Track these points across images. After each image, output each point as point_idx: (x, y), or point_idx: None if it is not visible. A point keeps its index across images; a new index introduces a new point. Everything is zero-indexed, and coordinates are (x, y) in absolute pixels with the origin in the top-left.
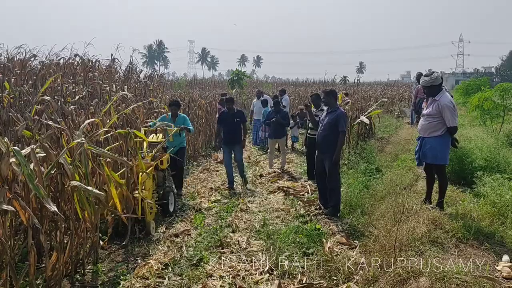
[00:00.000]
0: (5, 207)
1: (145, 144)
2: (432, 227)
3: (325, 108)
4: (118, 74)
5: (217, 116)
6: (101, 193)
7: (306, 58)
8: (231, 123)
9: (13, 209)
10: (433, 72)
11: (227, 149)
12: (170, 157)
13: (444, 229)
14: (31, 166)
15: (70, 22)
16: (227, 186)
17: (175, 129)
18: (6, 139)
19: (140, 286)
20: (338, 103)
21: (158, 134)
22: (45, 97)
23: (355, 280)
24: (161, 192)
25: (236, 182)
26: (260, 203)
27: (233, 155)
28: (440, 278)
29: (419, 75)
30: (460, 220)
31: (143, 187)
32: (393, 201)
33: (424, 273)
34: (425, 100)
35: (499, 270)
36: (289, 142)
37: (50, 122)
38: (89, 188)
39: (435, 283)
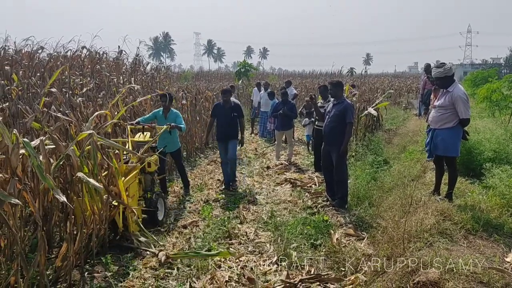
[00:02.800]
0: (13, 201)
1: (129, 144)
2: (441, 218)
3: (332, 99)
4: (125, 67)
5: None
6: (100, 185)
7: (312, 50)
8: (226, 117)
9: (20, 203)
10: (443, 63)
11: (222, 146)
12: (162, 160)
13: (453, 220)
14: (40, 157)
15: (75, 15)
16: (223, 187)
17: (164, 127)
18: (15, 131)
19: (149, 277)
20: (345, 94)
21: (145, 133)
22: (53, 89)
23: (363, 271)
24: (148, 199)
25: (238, 178)
26: (267, 194)
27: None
28: (449, 269)
29: (427, 67)
30: (469, 211)
31: (126, 193)
32: (401, 193)
33: (433, 264)
34: (433, 91)
35: (508, 262)
36: (296, 134)
37: (58, 114)
38: (90, 180)
39: (444, 274)
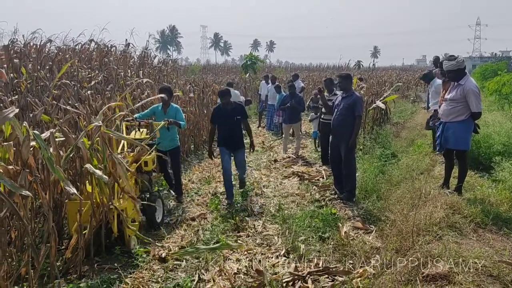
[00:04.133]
0: (24, 192)
1: (124, 142)
2: (450, 212)
3: (338, 92)
4: (132, 60)
5: None
6: (105, 177)
7: (319, 43)
8: (229, 122)
9: (30, 194)
10: (453, 55)
11: (226, 152)
12: (160, 158)
13: (462, 214)
14: (51, 149)
15: (83, 8)
16: (226, 200)
17: (162, 123)
18: (25, 123)
19: (158, 268)
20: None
21: (141, 130)
22: (64, 81)
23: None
24: (146, 200)
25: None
26: (275, 187)
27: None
28: (459, 263)
29: (436, 59)
30: (479, 205)
31: (120, 196)
32: (410, 186)
33: (442, 257)
34: (443, 84)
35: None
36: (303, 128)
37: (67, 107)
38: (97, 171)
39: (453, 268)
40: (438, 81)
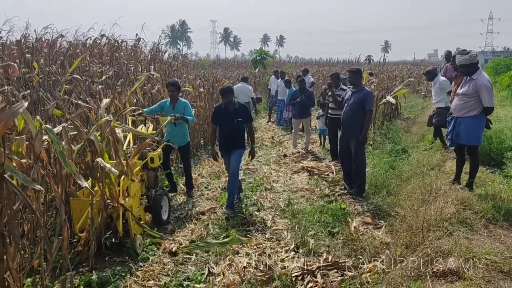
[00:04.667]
0: (37, 187)
1: (130, 137)
2: (461, 207)
3: (345, 87)
4: (143, 55)
5: None
6: (116, 170)
7: (330, 37)
8: (230, 124)
9: (42, 189)
10: (466, 50)
11: (227, 158)
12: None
13: (473, 209)
14: (63, 143)
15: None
16: (226, 209)
17: (168, 118)
18: (38, 118)
19: (168, 261)
20: (364, 83)
21: (148, 125)
22: (74, 76)
23: (381, 259)
24: (152, 197)
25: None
26: (284, 182)
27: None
28: (469, 258)
29: (448, 54)
30: (490, 201)
31: (126, 193)
32: (420, 182)
33: (452, 253)
34: (454, 79)
35: None
36: (313, 123)
37: (79, 102)
38: (107, 165)
39: (464, 263)
40: (442, 78)
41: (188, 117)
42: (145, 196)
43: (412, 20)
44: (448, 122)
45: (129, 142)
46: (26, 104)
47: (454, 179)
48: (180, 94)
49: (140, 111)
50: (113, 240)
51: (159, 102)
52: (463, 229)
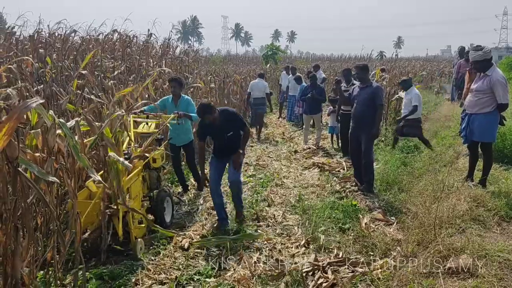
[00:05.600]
0: (51, 179)
1: (131, 136)
2: (473, 205)
3: (356, 83)
4: (154, 50)
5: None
6: (129, 165)
7: (341, 33)
8: (220, 139)
9: (57, 180)
10: (479, 46)
11: (218, 165)
12: (174, 153)
13: (486, 207)
14: (76, 138)
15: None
16: (218, 222)
17: (171, 115)
18: (51, 112)
19: (179, 256)
20: (375, 79)
21: (150, 123)
22: (82, 71)
23: (393, 256)
24: (154, 198)
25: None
26: (295, 178)
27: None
28: (482, 255)
29: (462, 50)
30: (503, 198)
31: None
32: (433, 179)
33: (465, 250)
34: (468, 74)
35: None
36: (324, 119)
37: (91, 97)
38: (120, 159)
39: (476, 260)
40: (416, 91)
41: (192, 114)
42: (147, 198)
43: (425, 16)
44: (461, 118)
45: (129, 141)
46: (41, 100)
47: (467, 176)
48: (191, 89)
49: (140, 110)
50: (112, 244)
51: (161, 99)
52: (475, 226)
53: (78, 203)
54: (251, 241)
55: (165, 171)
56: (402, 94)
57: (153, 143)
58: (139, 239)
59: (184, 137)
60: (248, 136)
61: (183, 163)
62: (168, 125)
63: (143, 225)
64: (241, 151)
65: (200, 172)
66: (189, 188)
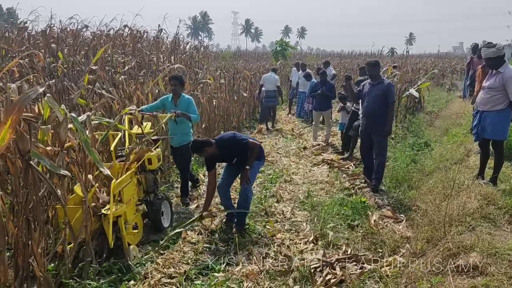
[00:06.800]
0: (62, 172)
1: (127, 136)
2: (484, 203)
3: (368, 80)
4: (165, 45)
5: (257, 92)
6: (107, 171)
7: (352, 30)
8: (231, 164)
9: (69, 174)
10: (491, 42)
11: (231, 169)
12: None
13: (497, 205)
14: (87, 132)
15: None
16: (226, 217)
17: (168, 115)
18: (63, 106)
19: (188, 250)
20: (385, 75)
21: (145, 123)
22: (92, 67)
23: (401, 253)
24: (151, 203)
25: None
26: (304, 175)
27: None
28: (492, 254)
29: (475, 47)
30: None
31: (119, 198)
32: (443, 176)
33: (474, 248)
34: (480, 71)
35: None
36: (334, 115)
37: (102, 91)
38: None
39: (486, 258)
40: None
41: (191, 115)
42: (143, 201)
43: (438, 13)
44: (473, 116)
45: (123, 142)
46: (40, 90)
47: (478, 174)
48: (201, 85)
49: (140, 108)
50: (103, 252)
51: (161, 98)
52: (486, 224)
53: (70, 209)
54: (260, 237)
55: (164, 174)
56: (413, 91)
57: (149, 144)
58: (132, 246)
59: (181, 139)
60: (254, 153)
61: (171, 172)
62: (163, 126)
63: (136, 231)
64: (248, 167)
65: (206, 203)
66: (199, 183)
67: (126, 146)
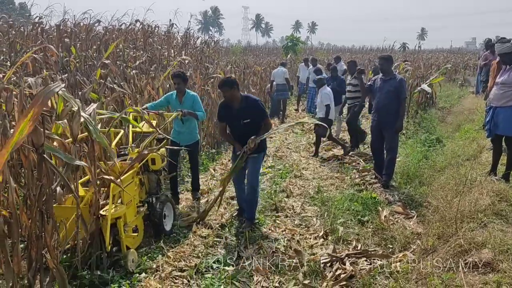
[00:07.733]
0: (77, 162)
1: (130, 135)
2: (496, 199)
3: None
4: (176, 40)
5: (268, 86)
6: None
7: (363, 25)
8: (236, 126)
9: (86, 164)
10: (504, 38)
11: (236, 158)
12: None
13: (509, 202)
14: (98, 126)
15: None
16: (244, 225)
17: (174, 113)
18: (77, 100)
19: (199, 244)
20: (397, 71)
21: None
22: (105, 61)
23: (412, 249)
24: (153, 204)
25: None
26: (314, 170)
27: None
28: (504, 250)
29: (488, 42)
30: None
31: (119, 200)
32: (455, 172)
33: (486, 245)
34: (496, 66)
35: None
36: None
37: (114, 86)
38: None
39: (498, 255)
40: (327, 90)
41: (198, 112)
42: (145, 203)
43: (450, 7)
44: (486, 112)
45: (127, 140)
46: (63, 85)
47: (490, 171)
48: (212, 80)
49: (144, 106)
50: (101, 255)
51: (165, 95)
52: (498, 221)
53: (64, 209)
54: (270, 231)
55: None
56: (425, 86)
57: (153, 143)
58: (131, 250)
59: (188, 137)
60: (268, 128)
61: (182, 166)
62: (169, 125)
63: (136, 234)
64: (256, 137)
65: (232, 143)
66: (179, 201)
67: (129, 145)
